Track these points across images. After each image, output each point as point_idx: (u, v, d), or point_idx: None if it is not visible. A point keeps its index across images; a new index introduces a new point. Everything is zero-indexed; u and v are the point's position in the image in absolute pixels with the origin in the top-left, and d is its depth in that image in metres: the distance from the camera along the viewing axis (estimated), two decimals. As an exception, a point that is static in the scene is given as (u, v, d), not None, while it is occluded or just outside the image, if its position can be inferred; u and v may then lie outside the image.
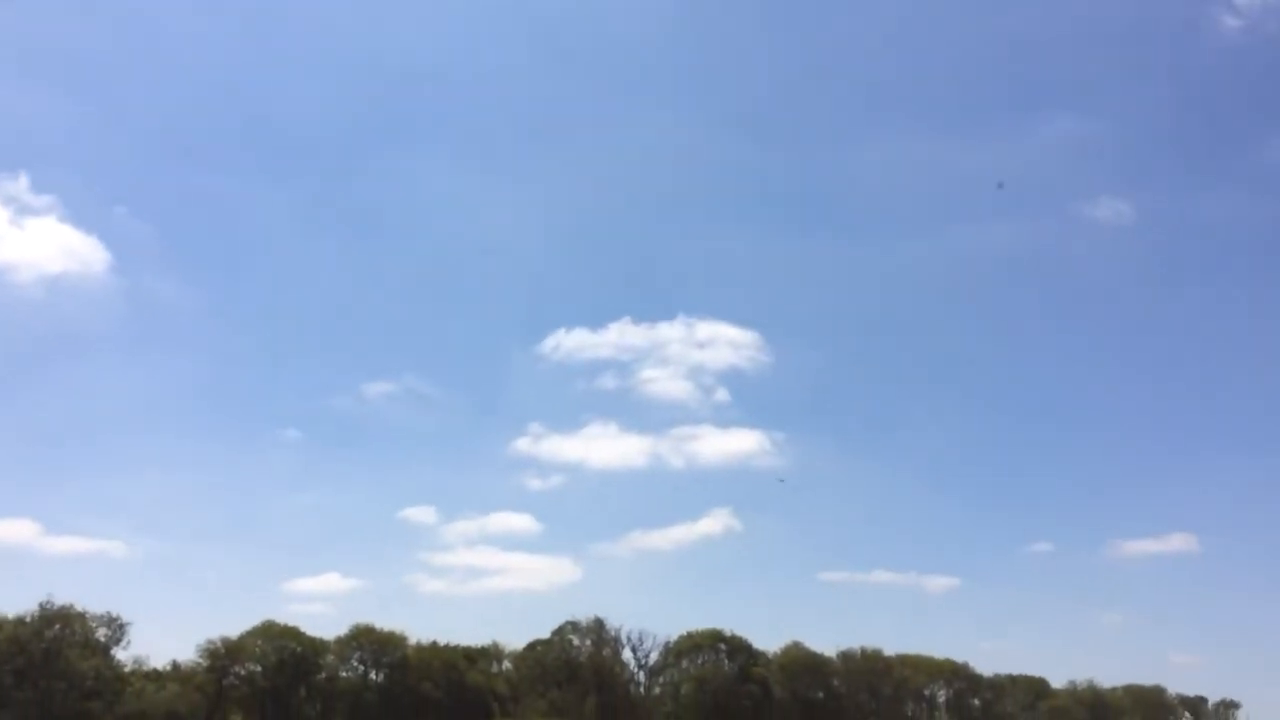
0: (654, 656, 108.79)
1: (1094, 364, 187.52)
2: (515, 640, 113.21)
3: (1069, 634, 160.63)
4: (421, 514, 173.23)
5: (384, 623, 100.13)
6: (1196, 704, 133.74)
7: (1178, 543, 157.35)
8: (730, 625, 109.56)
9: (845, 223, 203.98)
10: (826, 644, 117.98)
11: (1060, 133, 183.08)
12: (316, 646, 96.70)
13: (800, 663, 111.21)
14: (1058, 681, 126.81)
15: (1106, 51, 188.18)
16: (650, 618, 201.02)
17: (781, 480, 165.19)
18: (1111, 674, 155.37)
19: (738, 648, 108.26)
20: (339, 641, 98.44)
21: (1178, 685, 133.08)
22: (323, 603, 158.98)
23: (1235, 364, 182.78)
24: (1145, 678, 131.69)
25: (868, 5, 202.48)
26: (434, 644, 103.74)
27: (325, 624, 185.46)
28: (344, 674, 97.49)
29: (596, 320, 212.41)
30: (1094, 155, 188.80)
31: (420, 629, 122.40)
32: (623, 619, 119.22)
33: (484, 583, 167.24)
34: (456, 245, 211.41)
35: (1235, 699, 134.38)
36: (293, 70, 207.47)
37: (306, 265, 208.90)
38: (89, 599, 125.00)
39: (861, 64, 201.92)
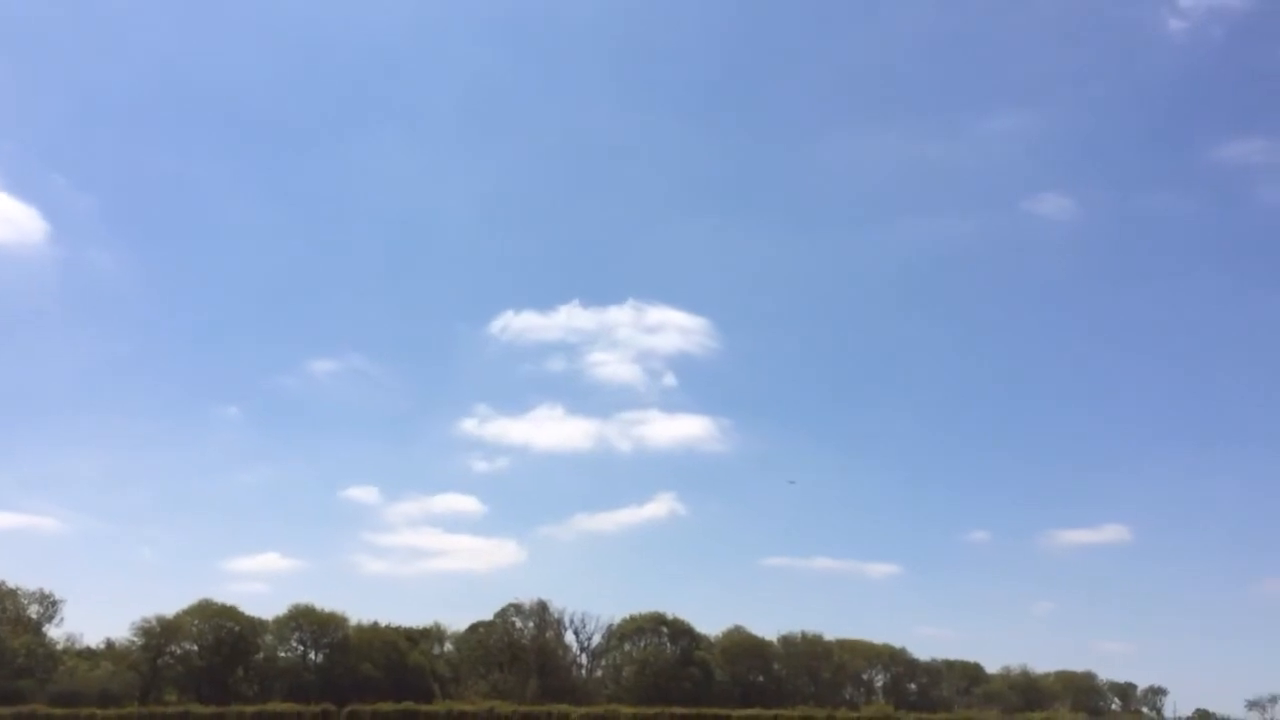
0: (596, 639, 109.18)
1: (1034, 357, 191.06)
2: (458, 622, 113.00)
3: (1004, 620, 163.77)
4: (364, 494, 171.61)
5: (324, 603, 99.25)
6: (1125, 690, 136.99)
7: (1111, 533, 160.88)
8: (673, 609, 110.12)
9: (795, 212, 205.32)
10: (768, 628, 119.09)
11: (1006, 128, 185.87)
12: (254, 626, 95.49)
13: (741, 646, 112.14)
14: (992, 667, 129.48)
15: (1052, 49, 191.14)
16: (594, 600, 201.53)
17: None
18: (1044, 660, 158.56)
19: (680, 631, 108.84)
20: (278, 621, 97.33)
21: (1108, 672, 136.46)
22: (262, 582, 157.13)
23: (1171, 359, 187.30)
24: (1076, 664, 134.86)
25: (825, 2, 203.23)
26: (375, 624, 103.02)
27: (264, 604, 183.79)
28: (282, 654, 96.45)
29: (545, 303, 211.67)
30: (1039, 151, 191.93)
31: (361, 609, 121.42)
32: (566, 601, 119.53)
33: (427, 564, 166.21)
34: (404, 225, 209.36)
35: (1163, 685, 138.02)
36: (242, 44, 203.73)
37: (251, 241, 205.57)
38: (21, 575, 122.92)
39: (813, 57, 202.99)
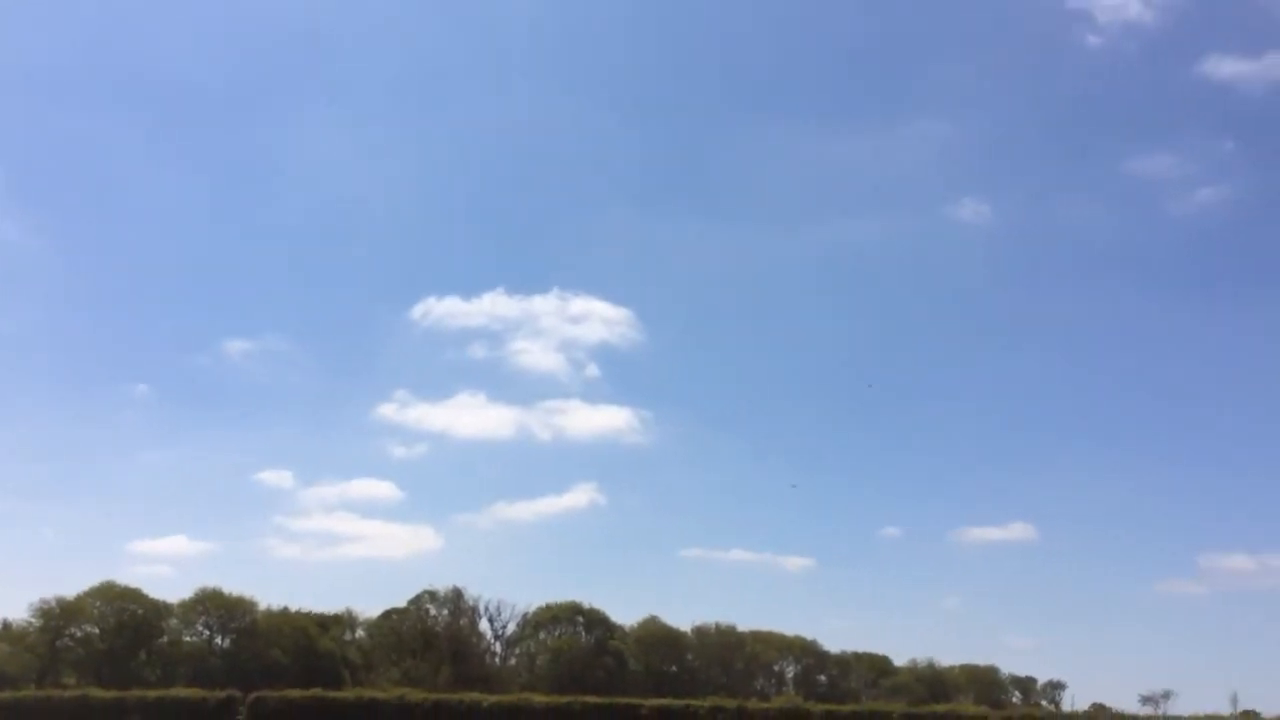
0: (511, 627, 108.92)
1: (948, 358, 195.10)
2: (371, 609, 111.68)
3: (913, 615, 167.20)
4: (278, 477, 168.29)
5: (233, 588, 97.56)
6: (1027, 684, 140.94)
7: (1017, 531, 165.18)
8: (590, 598, 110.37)
9: (720, 208, 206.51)
10: (683, 619, 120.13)
11: (929, 133, 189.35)
12: (159, 609, 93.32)
13: (656, 636, 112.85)
14: (900, 659, 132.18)
15: (976, 59, 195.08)
16: (511, 589, 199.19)
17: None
18: (950, 653, 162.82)
19: (595, 621, 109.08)
20: (183, 605, 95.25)
21: (1010, 666, 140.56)
22: (168, 565, 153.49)
23: (1078, 363, 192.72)
24: (981, 658, 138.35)
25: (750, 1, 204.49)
26: (285, 610, 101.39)
27: (170, 587, 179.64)
28: (187, 638, 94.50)
29: (469, 289, 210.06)
30: (960, 157, 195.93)
31: (273, 595, 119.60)
32: (483, 589, 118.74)
33: (341, 549, 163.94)
34: (329, 205, 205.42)
35: (1062, 680, 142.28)
36: (164, 12, 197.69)
37: (168, 214, 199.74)
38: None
39: (744, 56, 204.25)
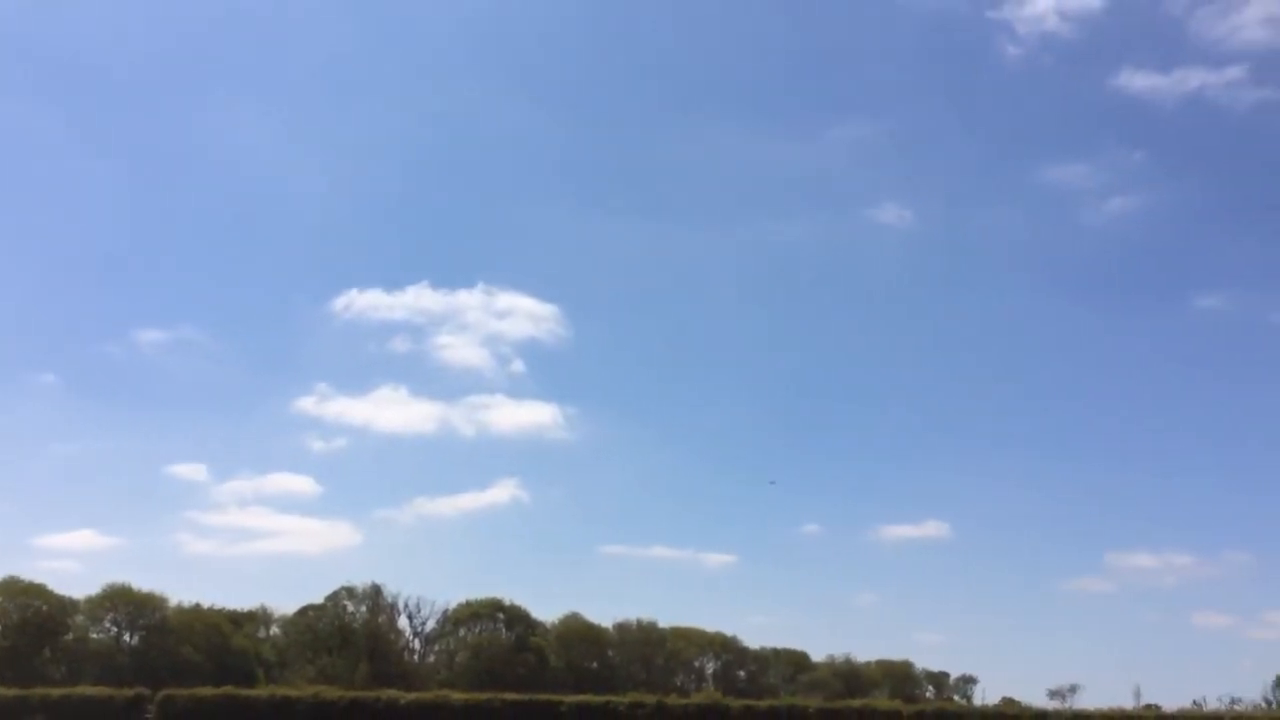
0: (431, 624, 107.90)
1: (868, 359, 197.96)
2: (287, 605, 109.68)
3: (831, 611, 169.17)
4: (191, 471, 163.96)
5: (144, 584, 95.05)
6: (940, 679, 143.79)
7: (931, 529, 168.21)
8: (511, 595, 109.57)
9: (649, 207, 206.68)
10: (604, 616, 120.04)
11: (853, 137, 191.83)
12: (64, 605, 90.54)
13: (577, 633, 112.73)
14: (818, 655, 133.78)
15: (900, 65, 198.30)
16: (431, 585, 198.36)
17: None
18: (866, 649, 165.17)
19: (516, 617, 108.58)
20: (90, 601, 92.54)
21: (924, 661, 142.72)
22: (75, 560, 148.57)
23: (992, 367, 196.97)
24: (896, 653, 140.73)
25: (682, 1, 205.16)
26: (197, 606, 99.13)
27: (77, 583, 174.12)
28: (94, 635, 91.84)
29: (393, 282, 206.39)
30: (882, 162, 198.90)
31: (184, 591, 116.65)
32: (402, 586, 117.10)
33: (256, 545, 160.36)
34: (249, 194, 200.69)
35: (973, 675, 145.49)
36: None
37: (81, 198, 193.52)
38: None
39: (672, 54, 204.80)
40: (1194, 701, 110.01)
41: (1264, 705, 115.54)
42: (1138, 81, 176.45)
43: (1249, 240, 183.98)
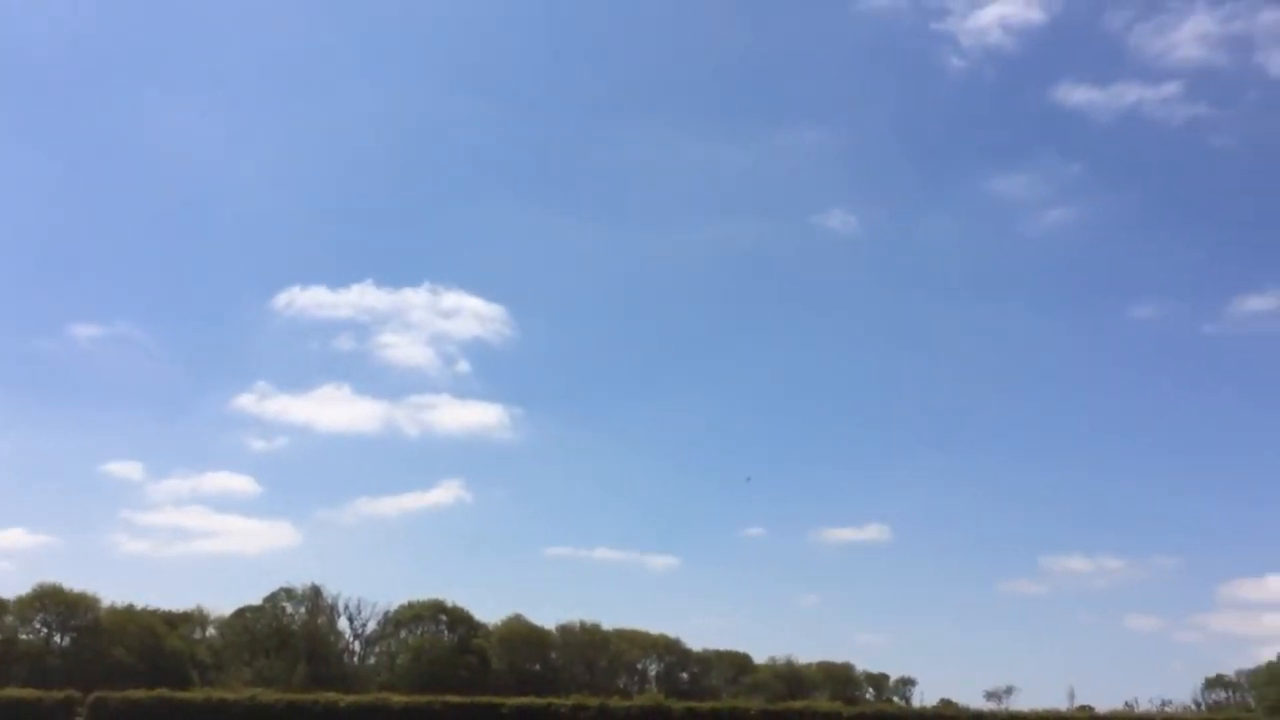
0: (371, 626, 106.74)
1: (810, 363, 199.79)
2: (224, 606, 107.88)
3: (773, 613, 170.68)
4: (127, 469, 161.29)
5: (77, 583, 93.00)
6: (879, 680, 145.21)
7: (872, 532, 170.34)
8: (454, 597, 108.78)
9: (597, 207, 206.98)
10: (548, 617, 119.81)
11: (802, 143, 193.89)
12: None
13: (520, 635, 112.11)
14: (760, 657, 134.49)
15: (849, 73, 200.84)
16: (372, 587, 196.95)
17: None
18: (808, 651, 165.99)
19: (459, 619, 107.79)
20: (20, 601, 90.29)
21: (864, 663, 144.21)
22: (5, 559, 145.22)
23: (934, 371, 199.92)
24: (836, 655, 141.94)
25: (636, 3, 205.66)
26: (131, 607, 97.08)
27: (7, 582, 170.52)
28: (24, 636, 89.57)
29: (337, 280, 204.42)
30: (831, 168, 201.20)
31: (118, 591, 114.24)
32: (343, 587, 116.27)
33: (194, 545, 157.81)
34: (191, 189, 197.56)
35: (912, 677, 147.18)
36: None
37: (15, 190, 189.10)
38: None
39: (623, 57, 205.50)
40: (1126, 703, 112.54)
41: (1193, 707, 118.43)
42: (1077, 95, 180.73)
43: (1182, 252, 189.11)
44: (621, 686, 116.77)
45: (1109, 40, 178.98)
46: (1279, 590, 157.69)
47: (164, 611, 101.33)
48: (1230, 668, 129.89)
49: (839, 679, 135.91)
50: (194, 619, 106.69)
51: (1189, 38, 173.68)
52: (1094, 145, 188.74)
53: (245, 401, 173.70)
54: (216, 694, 57.29)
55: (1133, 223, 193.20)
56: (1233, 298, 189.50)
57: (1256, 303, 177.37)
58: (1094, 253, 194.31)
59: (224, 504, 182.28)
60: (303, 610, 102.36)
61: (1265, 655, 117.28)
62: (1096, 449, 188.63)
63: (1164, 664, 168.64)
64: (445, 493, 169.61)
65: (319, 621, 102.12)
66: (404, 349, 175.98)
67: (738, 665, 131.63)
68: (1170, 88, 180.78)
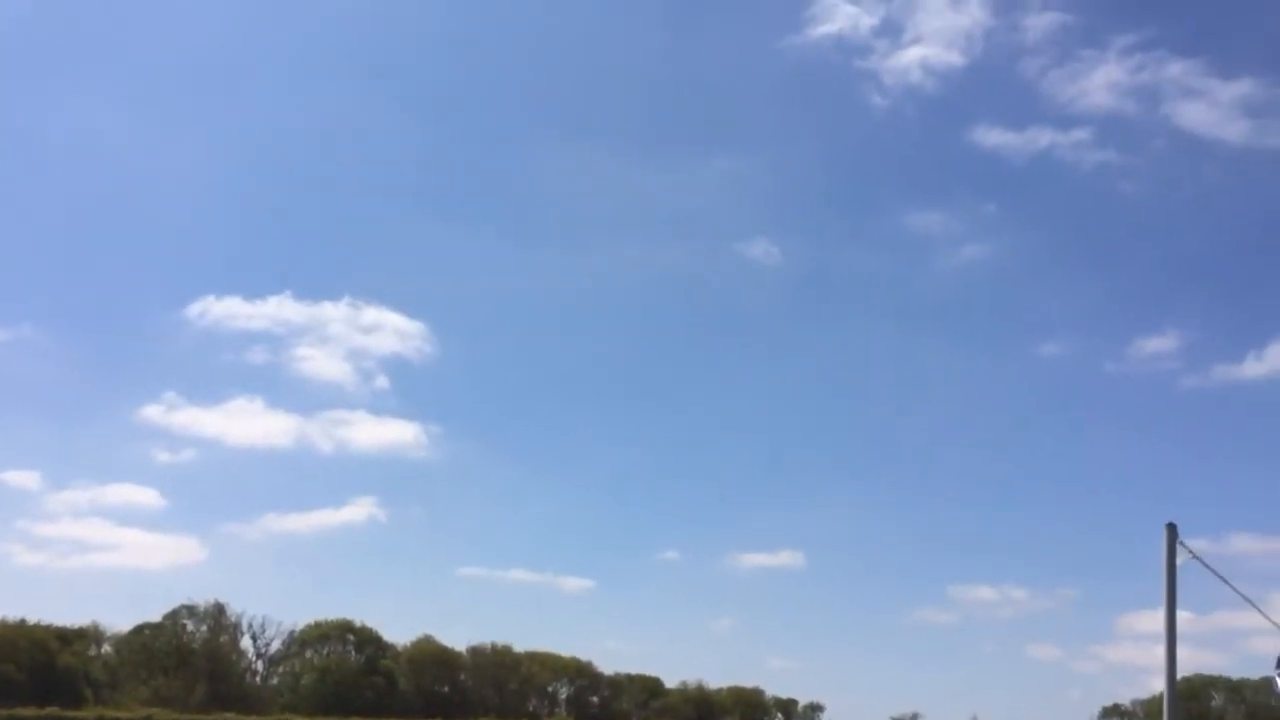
0: (276, 645, 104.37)
1: (731, 390, 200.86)
2: (122, 623, 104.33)
3: (686, 637, 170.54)
4: (24, 478, 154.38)
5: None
6: (788, 705, 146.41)
7: (786, 558, 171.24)
8: (364, 616, 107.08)
9: (522, 230, 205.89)
10: (459, 639, 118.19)
11: (727, 172, 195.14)
12: None
13: (429, 656, 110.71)
14: (671, 681, 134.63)
15: (774, 105, 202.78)
16: (279, 605, 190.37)
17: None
18: (718, 675, 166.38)
19: (367, 639, 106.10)
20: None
21: (775, 687, 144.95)
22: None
23: (851, 401, 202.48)
24: (747, 680, 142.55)
25: (567, 26, 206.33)
26: (22, 622, 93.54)
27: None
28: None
29: (253, 290, 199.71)
30: (753, 198, 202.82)
31: (11, 606, 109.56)
32: (248, 605, 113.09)
33: (92, 558, 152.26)
34: (100, 188, 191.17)
35: (821, 702, 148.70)
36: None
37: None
38: None
39: (552, 82, 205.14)
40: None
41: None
42: (993, 137, 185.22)
43: (1088, 292, 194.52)
44: (531, 710, 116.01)
45: (1024, 85, 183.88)
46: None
47: (58, 627, 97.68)
48: (1126, 697, 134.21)
49: (749, 703, 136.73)
50: (89, 635, 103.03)
51: (1099, 85, 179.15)
52: (1007, 185, 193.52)
53: (152, 412, 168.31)
54: (110, 713, 55.68)
55: (1042, 262, 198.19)
56: (1134, 338, 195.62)
57: (1157, 344, 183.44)
58: (1005, 289, 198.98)
59: (126, 517, 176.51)
60: (204, 628, 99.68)
61: (1158, 686, 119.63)
62: (1005, 482, 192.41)
63: (1063, 692, 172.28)
64: (358, 510, 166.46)
65: (221, 640, 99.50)
66: (321, 363, 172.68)
67: (649, 689, 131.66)
68: (1080, 133, 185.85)
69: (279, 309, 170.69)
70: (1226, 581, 9.78)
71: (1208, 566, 9.83)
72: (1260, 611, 9.22)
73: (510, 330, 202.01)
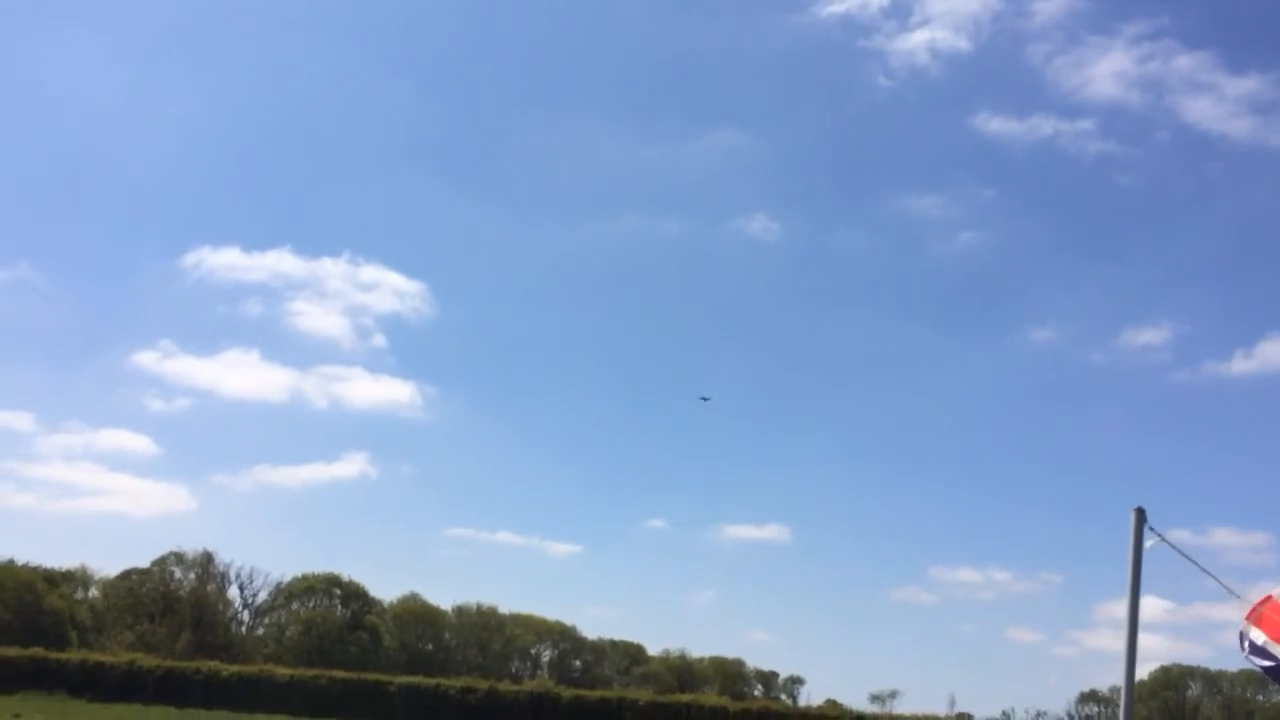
0: (263, 596, 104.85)
1: (725, 363, 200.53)
2: (111, 567, 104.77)
3: (670, 606, 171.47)
4: (15, 419, 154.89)
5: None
6: (769, 677, 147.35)
7: (772, 532, 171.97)
8: (351, 571, 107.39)
9: (525, 197, 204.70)
10: (445, 598, 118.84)
11: (728, 147, 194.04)
12: None
13: (414, 614, 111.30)
14: (654, 648, 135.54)
15: (777, 81, 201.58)
16: (267, 557, 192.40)
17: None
18: (702, 645, 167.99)
19: (353, 594, 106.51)
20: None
21: (755, 660, 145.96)
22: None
23: (843, 379, 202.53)
24: (729, 651, 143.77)
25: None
26: (10, 562, 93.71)
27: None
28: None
29: (252, 242, 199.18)
30: (754, 173, 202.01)
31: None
32: (236, 555, 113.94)
33: (82, 502, 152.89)
34: (105, 133, 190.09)
35: (801, 675, 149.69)
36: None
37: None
38: None
39: (554, 49, 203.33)
40: (1003, 712, 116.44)
41: (1067, 718, 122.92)
42: (994, 124, 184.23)
43: (1080, 282, 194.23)
44: (514, 671, 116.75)
45: (1030, 72, 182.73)
46: (1151, 612, 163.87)
47: (45, 569, 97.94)
48: (1103, 683, 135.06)
49: (729, 674, 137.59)
50: (77, 578, 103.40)
51: (1105, 74, 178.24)
52: (1006, 173, 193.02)
53: (146, 359, 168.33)
54: (94, 657, 55.79)
55: (1037, 251, 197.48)
56: (1124, 329, 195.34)
57: (1148, 336, 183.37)
58: (1000, 276, 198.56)
59: (117, 462, 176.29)
60: (192, 576, 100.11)
61: (1136, 673, 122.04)
62: (992, 465, 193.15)
63: (1042, 676, 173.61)
64: (349, 466, 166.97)
65: (208, 589, 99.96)
66: (318, 318, 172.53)
67: (631, 655, 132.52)
68: (1084, 123, 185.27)
69: (278, 262, 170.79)
70: (1189, 558, 9.87)
71: (1173, 546, 9.90)
72: (1217, 579, 9.37)
73: (509, 296, 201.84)
